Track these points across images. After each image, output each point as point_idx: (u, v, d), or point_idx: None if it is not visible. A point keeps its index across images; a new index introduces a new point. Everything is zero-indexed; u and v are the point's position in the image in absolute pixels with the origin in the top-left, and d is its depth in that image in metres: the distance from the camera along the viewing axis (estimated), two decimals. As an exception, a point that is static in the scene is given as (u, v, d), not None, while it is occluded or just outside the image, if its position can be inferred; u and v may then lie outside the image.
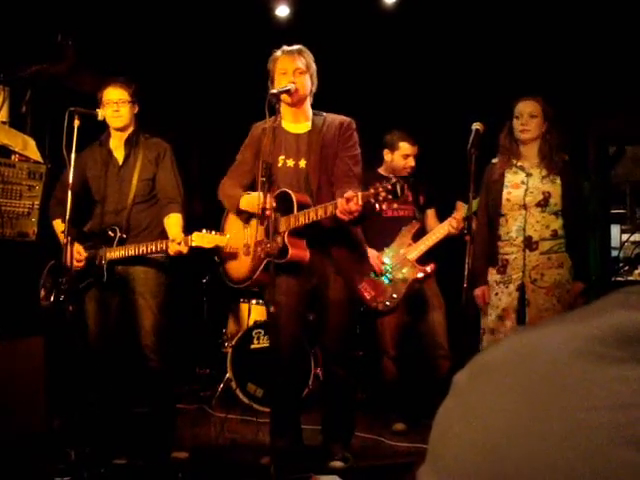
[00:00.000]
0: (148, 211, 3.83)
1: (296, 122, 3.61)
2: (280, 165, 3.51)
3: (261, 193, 3.31)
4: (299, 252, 3.40)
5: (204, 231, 3.43)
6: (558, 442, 0.46)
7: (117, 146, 3.90)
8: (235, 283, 3.70)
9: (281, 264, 3.32)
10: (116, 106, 3.77)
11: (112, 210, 3.84)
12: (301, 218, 3.32)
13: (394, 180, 2.97)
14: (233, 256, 3.68)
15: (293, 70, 3.49)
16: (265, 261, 3.43)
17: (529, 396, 0.48)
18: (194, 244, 3.42)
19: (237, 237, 3.67)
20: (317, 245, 3.49)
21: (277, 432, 3.58)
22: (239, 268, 3.65)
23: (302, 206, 3.37)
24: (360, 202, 3.03)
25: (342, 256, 3.55)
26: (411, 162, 4.54)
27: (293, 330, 3.61)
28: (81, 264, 3.80)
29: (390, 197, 2.94)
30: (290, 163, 3.54)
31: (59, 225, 3.92)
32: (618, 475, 0.43)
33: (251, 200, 3.50)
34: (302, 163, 3.54)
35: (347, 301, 3.60)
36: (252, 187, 3.64)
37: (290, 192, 3.39)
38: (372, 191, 2.99)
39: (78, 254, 3.80)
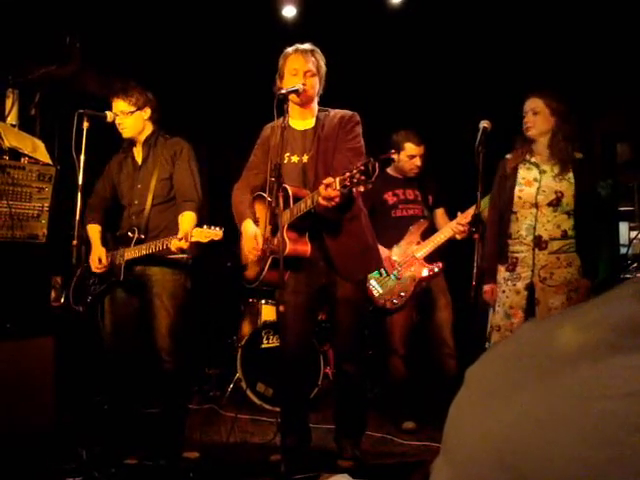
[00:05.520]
0: (167, 212, 3.84)
1: (302, 119, 3.65)
2: (286, 162, 3.54)
3: (258, 231, 3.47)
4: (298, 247, 3.43)
5: (205, 227, 3.45)
6: (572, 431, 0.46)
7: (137, 149, 3.95)
8: (249, 282, 3.73)
9: (285, 261, 3.30)
10: (118, 119, 3.81)
11: (134, 212, 3.87)
12: (294, 210, 3.36)
13: (365, 160, 2.97)
14: (248, 257, 3.71)
15: (304, 72, 3.51)
16: (270, 258, 3.48)
17: (542, 386, 0.49)
18: (193, 239, 3.44)
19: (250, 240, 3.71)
20: (318, 245, 3.52)
21: (286, 430, 3.59)
22: (252, 268, 3.69)
23: (298, 200, 3.39)
24: (338, 186, 3.05)
25: (344, 254, 3.54)
26: (417, 162, 4.54)
27: (301, 329, 3.63)
28: (102, 270, 3.85)
29: (363, 178, 2.95)
30: (295, 159, 3.58)
31: (90, 229, 3.98)
32: (633, 463, 0.44)
33: (247, 232, 3.56)
34: (305, 158, 3.57)
35: (356, 300, 3.62)
36: (263, 188, 3.66)
37: (288, 187, 3.41)
38: (347, 174, 3.01)
39: (99, 262, 3.85)
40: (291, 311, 3.51)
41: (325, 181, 3.10)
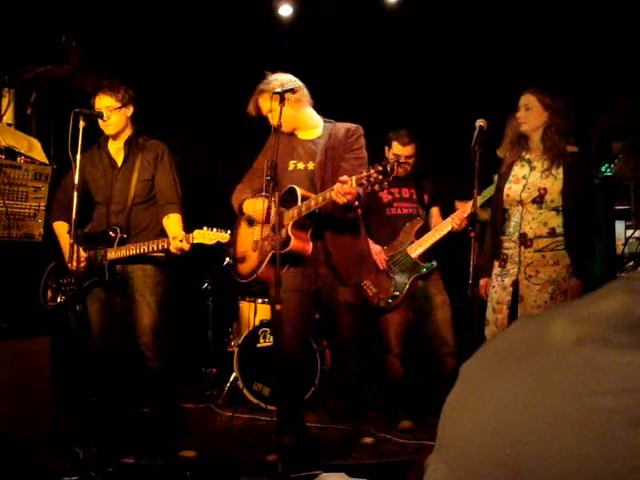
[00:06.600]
0: (147, 211, 3.87)
1: (306, 129, 3.81)
2: (291, 169, 3.73)
3: (264, 198, 3.53)
4: (301, 244, 3.57)
5: (205, 228, 3.48)
6: (568, 426, 0.46)
7: (116, 148, 3.93)
8: (243, 278, 3.81)
9: (285, 256, 3.48)
10: (104, 114, 3.79)
11: (112, 211, 3.87)
12: (303, 208, 3.49)
13: (385, 162, 3.15)
14: (243, 254, 3.79)
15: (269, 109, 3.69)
16: (270, 254, 3.58)
17: (538, 382, 0.49)
18: (195, 241, 3.48)
19: (247, 237, 3.76)
20: (321, 249, 3.68)
21: (283, 430, 3.61)
22: (248, 263, 3.76)
23: (305, 200, 3.52)
24: (354, 184, 3.22)
25: (343, 257, 3.71)
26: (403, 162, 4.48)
27: (297, 328, 3.71)
28: (81, 265, 3.83)
29: (381, 177, 3.14)
30: (300, 166, 3.74)
31: (59, 227, 3.97)
32: (629, 457, 0.44)
33: (252, 204, 3.71)
34: (310, 165, 3.73)
35: (357, 303, 3.84)
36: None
37: (296, 188, 3.56)
38: (365, 174, 3.18)
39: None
40: (288, 309, 3.57)
41: (342, 178, 3.26)
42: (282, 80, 3.67)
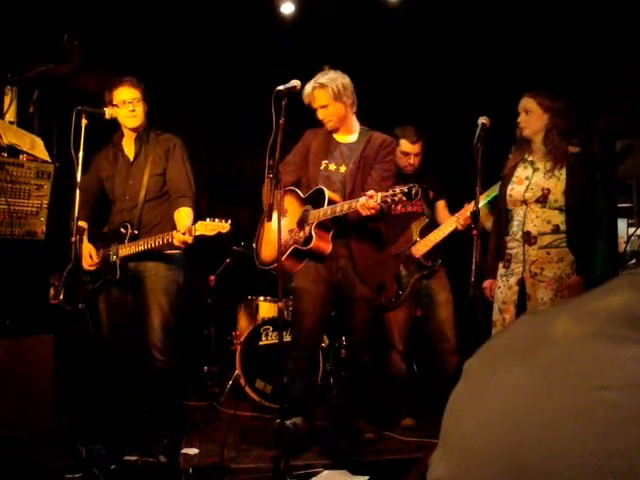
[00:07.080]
0: (160, 207, 3.84)
1: (345, 133, 4.03)
2: (322, 168, 3.96)
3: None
4: (321, 243, 3.78)
5: (207, 220, 3.45)
6: (571, 420, 0.46)
7: (128, 144, 3.92)
8: (263, 265, 3.99)
9: (306, 252, 3.80)
10: (131, 106, 3.77)
11: (125, 207, 3.85)
12: (328, 211, 3.71)
13: (411, 185, 3.37)
14: (268, 241, 3.89)
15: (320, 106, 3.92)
16: (292, 247, 3.84)
17: (542, 376, 0.49)
18: (198, 233, 3.45)
19: (272, 227, 3.80)
20: (344, 244, 3.86)
21: (291, 412, 3.80)
22: (271, 252, 3.85)
23: (332, 203, 3.76)
24: (378, 200, 3.43)
25: (365, 258, 3.90)
26: (410, 160, 4.48)
27: (319, 317, 3.93)
28: (94, 267, 3.83)
29: (404, 199, 3.40)
30: (332, 167, 3.96)
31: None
32: (632, 454, 0.44)
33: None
34: (342, 169, 3.94)
35: (372, 299, 4.01)
36: (296, 185, 4.04)
37: (324, 189, 3.80)
38: (390, 192, 3.41)
39: (90, 258, 3.83)
40: (310, 299, 3.88)
41: (368, 193, 3.48)
42: (340, 79, 3.91)
